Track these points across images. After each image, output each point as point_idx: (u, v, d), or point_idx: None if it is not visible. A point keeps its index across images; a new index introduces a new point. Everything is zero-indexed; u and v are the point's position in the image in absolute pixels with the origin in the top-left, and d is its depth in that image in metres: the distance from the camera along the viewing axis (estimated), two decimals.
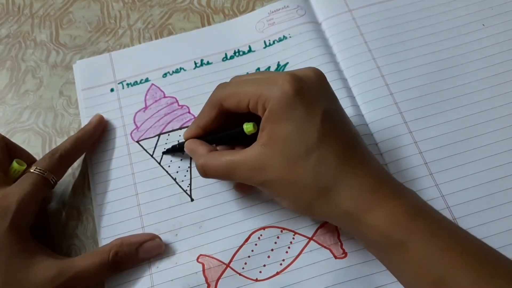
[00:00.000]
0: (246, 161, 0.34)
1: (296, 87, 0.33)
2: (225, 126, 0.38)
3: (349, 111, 0.43)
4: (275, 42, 0.49)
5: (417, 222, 0.31)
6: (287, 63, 0.47)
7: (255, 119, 0.35)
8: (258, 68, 0.47)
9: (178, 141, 0.44)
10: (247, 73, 0.47)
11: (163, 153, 0.43)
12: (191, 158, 0.43)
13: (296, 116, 0.32)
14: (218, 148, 0.39)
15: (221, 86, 0.37)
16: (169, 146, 0.43)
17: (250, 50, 0.49)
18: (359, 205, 0.32)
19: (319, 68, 0.36)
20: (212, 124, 0.38)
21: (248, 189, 0.41)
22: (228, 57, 0.48)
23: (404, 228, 0.31)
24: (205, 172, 0.37)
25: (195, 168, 0.42)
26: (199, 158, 0.37)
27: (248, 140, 0.36)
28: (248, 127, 0.35)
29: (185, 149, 0.40)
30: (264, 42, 0.49)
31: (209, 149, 0.37)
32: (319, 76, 0.35)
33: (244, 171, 0.34)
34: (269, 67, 0.47)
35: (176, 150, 0.43)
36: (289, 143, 0.33)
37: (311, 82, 0.34)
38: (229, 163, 0.35)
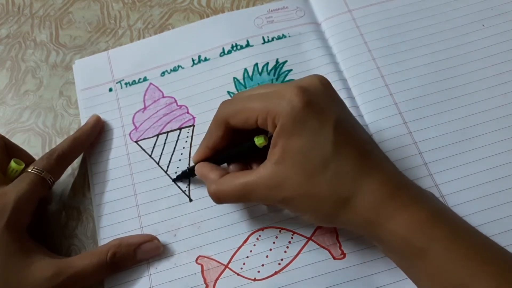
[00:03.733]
0: (261, 182, 0.33)
1: (305, 99, 0.32)
2: (234, 141, 0.37)
3: None
4: (274, 39, 0.48)
5: (437, 229, 0.30)
6: (286, 61, 0.47)
7: (263, 130, 0.35)
8: (256, 64, 0.47)
9: (188, 166, 0.42)
10: (245, 69, 0.47)
11: (174, 180, 0.42)
12: (189, 157, 0.43)
13: (308, 130, 0.32)
14: (230, 166, 0.38)
15: (225, 104, 0.37)
16: (168, 148, 0.44)
17: (248, 45, 0.48)
18: (379, 213, 0.31)
19: (322, 75, 0.35)
20: (220, 143, 0.37)
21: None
22: (226, 51, 0.48)
23: (425, 234, 0.30)
24: (219, 199, 0.36)
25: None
26: (211, 185, 0.36)
27: (262, 153, 0.35)
28: (259, 140, 0.35)
29: (196, 173, 0.39)
30: (263, 37, 0.48)
31: (220, 174, 0.36)
32: (325, 84, 0.34)
33: (260, 192, 0.33)
34: (267, 63, 0.47)
35: (187, 176, 0.42)
36: (304, 158, 0.32)
37: (319, 92, 0.33)
38: (243, 187, 0.34)
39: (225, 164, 0.39)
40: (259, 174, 0.33)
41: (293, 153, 0.32)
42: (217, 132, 0.37)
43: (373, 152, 0.34)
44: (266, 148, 0.34)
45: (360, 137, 0.34)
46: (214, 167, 0.37)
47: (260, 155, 0.35)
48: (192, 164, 0.40)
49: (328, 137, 0.32)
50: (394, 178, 0.33)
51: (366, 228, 0.32)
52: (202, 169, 0.38)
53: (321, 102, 0.33)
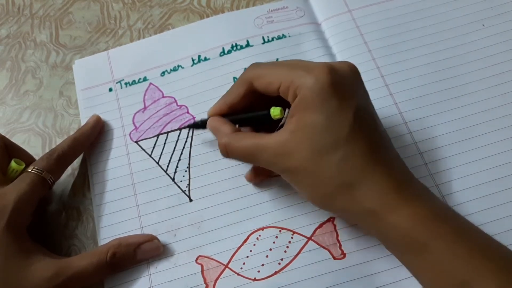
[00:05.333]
0: (271, 146, 0.33)
1: (332, 79, 0.32)
2: (250, 108, 0.37)
3: None
4: (274, 39, 0.48)
5: (441, 225, 0.30)
6: None
7: (283, 105, 0.35)
8: None
9: (201, 119, 0.41)
10: (245, 69, 0.47)
11: (186, 127, 0.42)
12: (189, 157, 0.43)
13: (328, 108, 0.32)
14: (241, 129, 0.38)
15: (254, 66, 0.37)
16: (168, 148, 0.44)
17: (248, 45, 0.48)
18: (382, 204, 0.31)
19: (353, 63, 0.35)
20: (239, 102, 0.37)
21: (258, 179, 0.41)
22: (226, 51, 0.48)
23: (428, 230, 0.30)
24: (228, 152, 0.36)
25: (194, 168, 0.42)
26: (223, 137, 0.36)
27: (273, 126, 0.35)
28: (275, 111, 0.35)
29: (207, 126, 0.39)
30: (263, 37, 0.49)
31: (233, 129, 0.36)
32: (354, 71, 0.34)
33: (268, 156, 0.34)
34: None
35: (199, 127, 0.41)
36: (317, 134, 0.32)
37: (347, 76, 0.33)
38: (253, 146, 0.34)
39: None
40: (271, 138, 0.33)
41: (308, 127, 0.32)
42: (238, 90, 0.37)
43: (385, 146, 0.34)
44: (279, 122, 0.35)
45: (377, 129, 0.34)
46: (227, 122, 0.37)
47: (272, 129, 0.35)
48: (206, 117, 0.40)
49: (346, 121, 0.32)
50: (402, 173, 0.33)
51: (366, 218, 0.32)
52: (215, 123, 0.38)
53: (347, 86, 0.33)
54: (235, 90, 0.37)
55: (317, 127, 0.32)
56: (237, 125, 0.38)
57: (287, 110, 0.35)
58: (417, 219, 0.31)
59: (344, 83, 0.33)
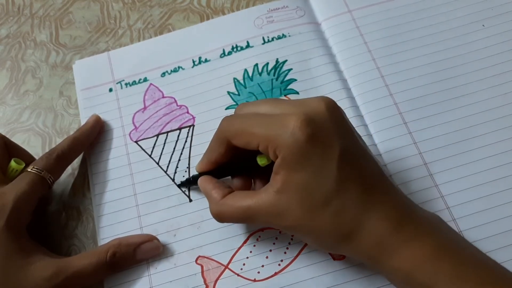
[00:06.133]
0: (262, 208, 0.33)
1: (309, 132, 0.31)
2: (237, 155, 0.36)
3: (348, 111, 0.43)
4: (274, 39, 0.48)
5: (443, 263, 0.30)
6: (286, 60, 0.47)
7: None
8: (256, 64, 0.47)
9: (189, 176, 0.42)
10: (245, 69, 0.47)
11: (179, 185, 0.42)
12: (189, 157, 0.43)
13: (310, 165, 0.31)
14: (233, 180, 0.38)
15: (227, 121, 0.35)
16: (168, 148, 0.44)
17: (248, 46, 0.48)
18: (381, 250, 0.31)
19: (330, 98, 0.34)
20: (222, 159, 0.36)
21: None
22: (226, 53, 0.48)
23: (429, 271, 0.30)
24: (221, 219, 0.35)
25: (194, 168, 0.42)
26: (213, 205, 0.35)
27: (264, 168, 0.35)
28: (262, 160, 0.35)
29: (199, 186, 0.38)
30: (263, 38, 0.49)
31: (223, 194, 0.35)
32: (332, 109, 0.33)
33: (262, 218, 0.33)
34: (267, 63, 0.47)
35: (191, 183, 0.41)
36: (305, 192, 0.31)
37: (325, 120, 0.32)
38: (245, 210, 0.33)
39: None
40: (261, 200, 0.33)
41: (295, 186, 0.31)
42: (219, 149, 0.36)
43: (378, 184, 0.33)
44: (270, 165, 0.34)
45: (366, 170, 0.33)
46: (217, 185, 0.36)
47: (264, 169, 0.35)
48: (195, 172, 0.40)
49: (331, 174, 0.31)
50: (399, 210, 0.32)
51: (370, 263, 0.32)
52: (205, 186, 0.37)
53: (326, 134, 0.31)
54: (216, 148, 0.36)
55: (303, 186, 0.31)
56: (230, 178, 0.38)
57: None
58: (418, 261, 0.30)
59: (322, 133, 0.31)
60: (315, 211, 0.31)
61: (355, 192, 0.31)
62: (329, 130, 0.32)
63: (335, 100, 0.34)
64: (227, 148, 0.35)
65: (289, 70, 0.46)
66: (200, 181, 0.38)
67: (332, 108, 0.33)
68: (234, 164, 0.37)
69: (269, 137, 0.32)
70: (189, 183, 0.41)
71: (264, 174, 0.36)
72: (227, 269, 0.38)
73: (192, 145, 0.44)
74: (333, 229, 0.31)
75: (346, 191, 0.31)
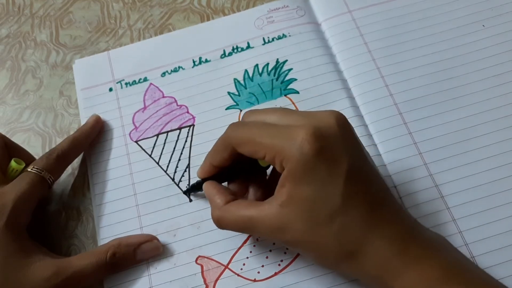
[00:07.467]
0: (264, 220, 0.32)
1: (317, 147, 0.30)
2: (239, 159, 0.36)
3: (348, 112, 0.43)
4: (274, 39, 0.48)
5: (451, 287, 0.29)
6: (286, 60, 0.47)
7: None
8: (257, 65, 0.47)
9: (197, 181, 0.41)
10: (246, 70, 0.47)
11: (184, 192, 0.42)
12: (189, 157, 0.43)
13: (317, 180, 0.30)
14: (229, 185, 0.38)
15: (234, 128, 0.35)
16: (168, 148, 0.44)
17: (248, 47, 0.48)
18: (386, 270, 0.30)
19: (340, 112, 0.33)
20: (225, 163, 0.36)
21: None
22: (227, 53, 0.48)
23: None
24: (221, 225, 0.35)
25: (194, 168, 0.42)
26: (215, 210, 0.35)
27: (264, 172, 0.35)
28: (264, 163, 0.35)
29: (204, 190, 0.38)
30: (263, 38, 0.49)
31: (226, 200, 0.35)
32: (342, 125, 0.32)
33: (263, 230, 0.33)
34: (267, 64, 0.47)
35: (196, 189, 0.41)
36: (310, 207, 0.31)
37: (334, 135, 0.31)
38: (247, 220, 0.33)
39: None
40: (264, 212, 0.32)
41: (300, 200, 0.31)
42: (223, 154, 0.35)
43: (384, 203, 0.32)
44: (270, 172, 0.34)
45: (372, 187, 0.32)
46: (220, 190, 0.36)
47: (261, 177, 0.35)
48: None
49: (337, 189, 0.30)
50: (405, 231, 0.32)
51: (371, 282, 0.32)
52: (209, 191, 0.37)
53: (334, 148, 0.31)
54: (220, 153, 0.36)
55: (309, 201, 0.31)
56: (232, 183, 0.38)
57: None
58: (424, 283, 0.30)
59: (331, 147, 0.31)
60: (320, 227, 0.31)
61: (360, 210, 0.31)
62: (338, 145, 0.31)
63: (343, 113, 0.33)
64: (231, 153, 0.35)
65: (290, 70, 0.46)
66: (205, 186, 0.38)
67: (342, 123, 0.32)
68: (235, 168, 0.37)
69: (277, 148, 0.31)
70: (195, 189, 0.41)
71: (260, 181, 0.36)
72: (227, 269, 0.38)
73: (192, 145, 0.44)
74: (336, 246, 0.31)
75: (351, 209, 0.31)
